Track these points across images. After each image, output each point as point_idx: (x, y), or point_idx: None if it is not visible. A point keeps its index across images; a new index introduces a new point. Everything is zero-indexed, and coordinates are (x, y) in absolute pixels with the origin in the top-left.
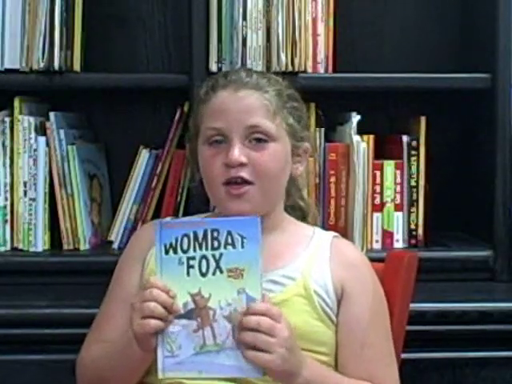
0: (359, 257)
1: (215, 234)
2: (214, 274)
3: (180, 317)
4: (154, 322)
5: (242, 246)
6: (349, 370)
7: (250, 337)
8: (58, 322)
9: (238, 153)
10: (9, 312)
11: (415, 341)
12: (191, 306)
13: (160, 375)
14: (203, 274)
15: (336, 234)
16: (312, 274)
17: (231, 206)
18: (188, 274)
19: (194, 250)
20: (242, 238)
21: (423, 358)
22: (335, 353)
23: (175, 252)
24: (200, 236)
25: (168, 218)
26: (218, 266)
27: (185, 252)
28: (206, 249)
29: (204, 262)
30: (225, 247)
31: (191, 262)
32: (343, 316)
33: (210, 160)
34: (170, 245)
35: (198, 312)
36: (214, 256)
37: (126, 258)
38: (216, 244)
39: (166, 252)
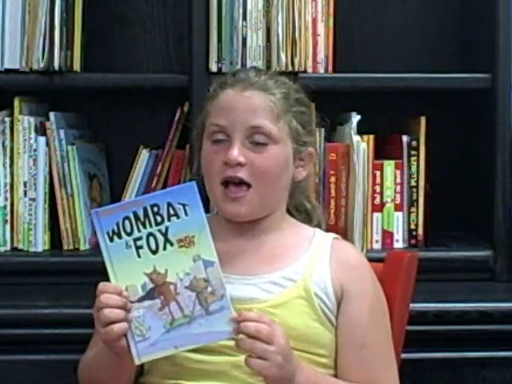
0: (359, 258)
1: (156, 209)
2: (164, 248)
3: (142, 299)
4: (116, 327)
5: (186, 214)
6: (348, 371)
7: (248, 345)
8: (58, 322)
9: (237, 152)
10: (9, 312)
11: (415, 341)
12: (150, 285)
13: (136, 361)
14: (154, 252)
15: (336, 235)
16: (312, 276)
17: (227, 208)
18: (138, 255)
19: (139, 231)
20: (184, 205)
21: (423, 358)
22: (335, 355)
23: (120, 237)
24: (141, 215)
25: None
26: (166, 240)
27: (129, 235)
28: (151, 226)
29: (152, 240)
30: (169, 219)
31: (139, 243)
32: (343, 317)
33: (211, 157)
34: (113, 231)
35: (158, 290)
36: (160, 231)
37: None
38: (159, 219)
39: (111, 239)
